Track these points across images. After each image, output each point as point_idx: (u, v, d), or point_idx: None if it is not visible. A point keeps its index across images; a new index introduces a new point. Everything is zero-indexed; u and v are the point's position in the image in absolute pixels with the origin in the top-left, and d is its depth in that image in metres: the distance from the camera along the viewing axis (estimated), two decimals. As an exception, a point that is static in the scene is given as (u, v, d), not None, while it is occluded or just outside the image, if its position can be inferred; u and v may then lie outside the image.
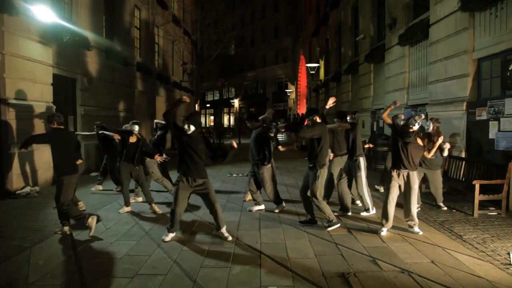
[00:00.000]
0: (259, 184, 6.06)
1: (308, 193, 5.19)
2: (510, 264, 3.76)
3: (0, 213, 5.95)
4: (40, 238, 4.66)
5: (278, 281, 3.42)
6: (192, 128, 4.47)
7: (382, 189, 7.42)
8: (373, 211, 5.80)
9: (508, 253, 4.01)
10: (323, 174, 5.13)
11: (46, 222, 5.24)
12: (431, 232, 4.86)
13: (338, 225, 5.10)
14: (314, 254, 4.10)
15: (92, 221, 4.68)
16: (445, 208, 6.05)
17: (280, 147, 6.01)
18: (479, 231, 4.86)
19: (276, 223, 5.31)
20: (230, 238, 4.62)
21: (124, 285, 3.35)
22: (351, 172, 5.90)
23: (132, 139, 6.08)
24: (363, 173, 5.75)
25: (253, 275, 3.56)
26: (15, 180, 7.34)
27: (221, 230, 4.68)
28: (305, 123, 5.37)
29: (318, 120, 5.35)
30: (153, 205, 6.04)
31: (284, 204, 6.14)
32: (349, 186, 5.99)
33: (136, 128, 6.13)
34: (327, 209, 5.10)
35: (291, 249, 4.24)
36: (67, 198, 4.75)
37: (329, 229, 5.02)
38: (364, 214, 5.77)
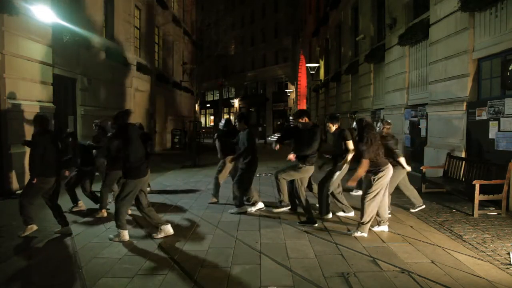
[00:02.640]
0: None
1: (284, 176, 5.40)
2: (510, 264, 3.76)
3: (0, 213, 5.96)
4: (40, 238, 4.66)
5: (278, 281, 3.42)
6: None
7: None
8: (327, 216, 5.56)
9: (508, 253, 4.00)
10: (303, 171, 5.20)
11: (46, 222, 5.24)
12: (431, 232, 4.86)
13: (286, 208, 5.78)
14: (314, 254, 4.09)
15: (30, 227, 4.74)
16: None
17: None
18: (479, 231, 4.86)
19: (276, 223, 5.30)
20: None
21: (124, 285, 3.35)
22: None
23: None
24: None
25: (253, 275, 3.56)
26: (15, 180, 7.33)
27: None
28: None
29: (307, 121, 5.37)
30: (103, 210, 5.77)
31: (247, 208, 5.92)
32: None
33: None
34: (285, 191, 5.67)
35: (291, 249, 4.23)
36: (31, 198, 4.75)
37: (276, 210, 5.78)
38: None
